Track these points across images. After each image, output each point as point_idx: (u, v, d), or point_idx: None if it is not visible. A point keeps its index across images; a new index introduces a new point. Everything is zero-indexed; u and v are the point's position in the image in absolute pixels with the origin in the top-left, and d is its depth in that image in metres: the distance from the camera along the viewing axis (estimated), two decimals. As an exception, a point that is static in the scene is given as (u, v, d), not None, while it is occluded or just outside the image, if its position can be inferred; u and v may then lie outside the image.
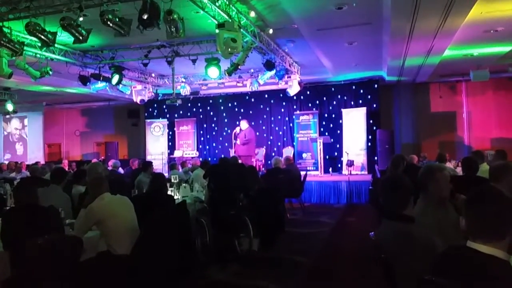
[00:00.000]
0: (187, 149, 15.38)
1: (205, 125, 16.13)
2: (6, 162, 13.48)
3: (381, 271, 2.59)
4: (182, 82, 13.09)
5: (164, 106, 15.92)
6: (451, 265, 1.84)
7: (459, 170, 7.24)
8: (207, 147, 16.05)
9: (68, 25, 6.37)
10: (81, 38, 6.76)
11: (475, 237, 1.80)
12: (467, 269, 1.77)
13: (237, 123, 13.63)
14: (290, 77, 12.24)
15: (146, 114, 16.83)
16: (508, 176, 3.42)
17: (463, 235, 1.96)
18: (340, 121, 14.01)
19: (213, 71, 9.95)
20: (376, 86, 14.06)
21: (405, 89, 14.37)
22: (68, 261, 3.36)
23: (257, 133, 15.07)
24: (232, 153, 12.90)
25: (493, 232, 1.77)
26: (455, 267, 1.82)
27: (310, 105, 14.72)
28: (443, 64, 11.23)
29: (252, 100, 15.30)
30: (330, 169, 13.37)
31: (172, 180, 7.17)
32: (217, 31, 6.83)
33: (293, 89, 12.59)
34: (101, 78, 10.70)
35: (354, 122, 13.64)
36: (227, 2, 6.79)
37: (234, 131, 13.18)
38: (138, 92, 13.42)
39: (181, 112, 16.19)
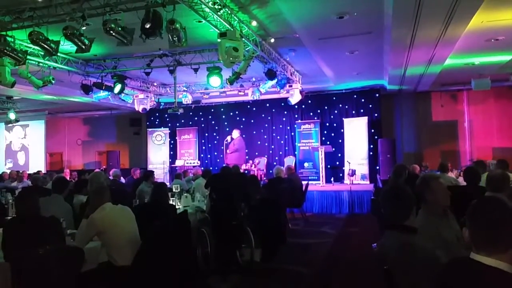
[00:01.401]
0: (189, 158, 15.36)
1: (206, 134, 16.12)
2: (8, 171, 13.49)
3: (384, 282, 2.57)
4: (184, 91, 13.13)
5: (166, 115, 15.84)
6: (455, 277, 1.81)
7: (461, 180, 7.21)
8: (209, 156, 16.02)
9: (71, 34, 6.41)
10: (84, 47, 6.80)
11: (479, 249, 1.77)
12: (470, 282, 1.74)
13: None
14: (291, 86, 12.26)
15: (148, 123, 16.84)
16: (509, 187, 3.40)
17: (465, 246, 1.93)
18: (342, 130, 14.00)
19: (215, 80, 9.97)
20: (377, 95, 14.06)
21: (406, 98, 14.39)
22: (69, 272, 3.33)
23: (259, 142, 15.15)
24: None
25: (497, 243, 1.73)
26: (459, 280, 1.79)
27: (311, 114, 14.74)
28: (444, 73, 11.25)
29: (254, 109, 15.29)
30: (332, 179, 13.30)
31: (174, 190, 7.15)
32: (219, 40, 6.86)
33: (295, 98, 12.61)
34: (104, 87, 10.73)
35: (356, 131, 13.62)
36: (229, 12, 6.82)
37: (226, 139, 13.17)
38: (140, 101, 13.49)
39: (182, 121, 16.20)
